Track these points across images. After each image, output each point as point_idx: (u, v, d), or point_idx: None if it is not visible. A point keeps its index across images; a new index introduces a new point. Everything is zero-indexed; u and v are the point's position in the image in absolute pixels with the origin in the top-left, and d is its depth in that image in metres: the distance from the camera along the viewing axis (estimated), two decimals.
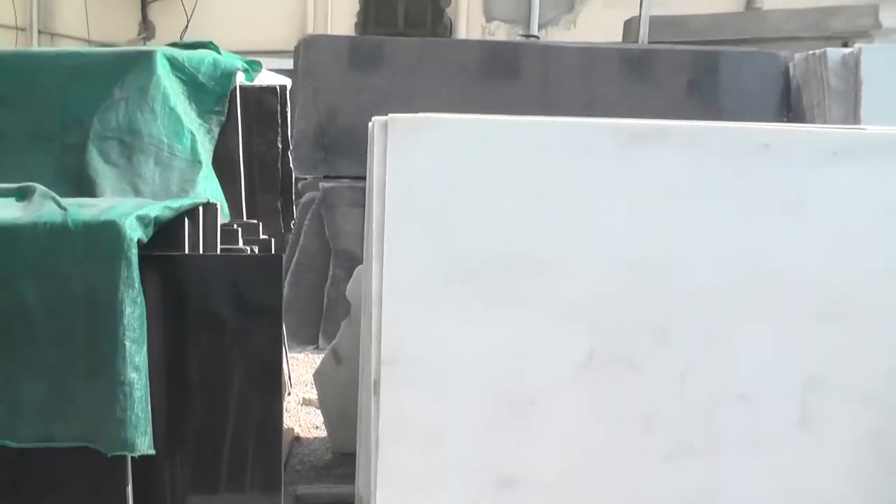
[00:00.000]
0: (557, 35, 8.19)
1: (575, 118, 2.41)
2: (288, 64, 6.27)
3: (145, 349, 2.17)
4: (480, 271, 2.29)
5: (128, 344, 2.12)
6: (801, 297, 2.45)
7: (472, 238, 2.30)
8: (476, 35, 8.32)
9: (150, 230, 2.22)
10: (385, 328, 2.29)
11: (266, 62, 5.99)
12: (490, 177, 2.32)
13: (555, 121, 2.38)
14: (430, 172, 2.30)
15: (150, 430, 2.17)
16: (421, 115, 2.31)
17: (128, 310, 2.12)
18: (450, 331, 2.30)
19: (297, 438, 3.58)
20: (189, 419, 2.42)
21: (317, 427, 3.69)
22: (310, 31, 8.25)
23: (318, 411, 3.68)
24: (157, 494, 2.45)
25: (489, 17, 8.40)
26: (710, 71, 5.89)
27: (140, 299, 2.15)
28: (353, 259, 4.64)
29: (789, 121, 5.87)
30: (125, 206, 2.27)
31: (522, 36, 8.11)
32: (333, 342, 3.23)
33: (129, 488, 2.25)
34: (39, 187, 2.42)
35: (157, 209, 2.26)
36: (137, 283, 2.14)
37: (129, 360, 2.12)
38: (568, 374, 2.34)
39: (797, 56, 5.90)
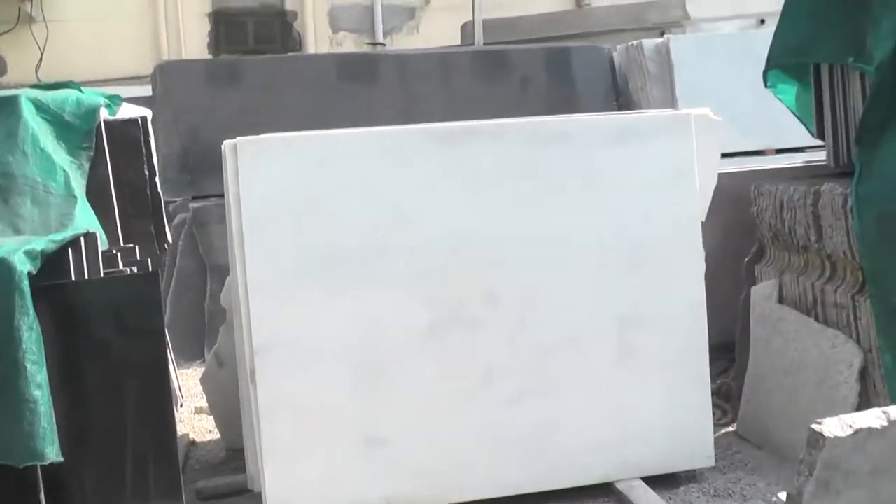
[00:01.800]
0: (402, 41, 8.64)
1: (395, 126, 2.85)
2: (146, 90, 6.47)
3: (45, 369, 2.46)
4: (329, 263, 2.72)
5: (28, 366, 2.41)
6: (606, 253, 2.97)
7: (320, 236, 2.72)
8: (324, 46, 8.67)
9: (38, 262, 2.51)
10: (254, 322, 2.67)
11: (124, 90, 6.17)
12: (329, 182, 2.74)
13: (379, 130, 2.82)
14: (276, 184, 2.70)
15: (56, 440, 2.46)
16: (263, 136, 2.70)
17: (25, 335, 2.41)
18: (309, 317, 2.71)
19: (193, 443, 3.87)
20: (90, 430, 2.71)
21: (210, 431, 3.98)
22: (164, 55, 8.39)
23: (210, 417, 3.98)
24: (67, 502, 2.73)
25: (335, 29, 8.78)
26: (544, 67, 6.45)
27: (35, 325, 2.44)
28: (228, 273, 4.92)
29: (619, 104, 6.49)
30: (12, 244, 2.56)
31: (369, 44, 8.53)
32: (214, 347, 3.55)
33: (42, 495, 2.53)
34: None
35: (42, 243, 2.55)
36: (32, 311, 2.43)
37: (31, 379, 2.41)
38: (414, 341, 2.78)
39: (619, 47, 6.54)
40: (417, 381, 2.78)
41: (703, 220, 3.16)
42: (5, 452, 2.41)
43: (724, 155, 5.76)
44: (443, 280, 2.79)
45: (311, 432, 2.73)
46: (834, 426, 0.89)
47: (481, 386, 2.84)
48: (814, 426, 0.91)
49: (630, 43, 6.41)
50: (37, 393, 2.41)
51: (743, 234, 3.89)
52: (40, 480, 2.51)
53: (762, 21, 7.65)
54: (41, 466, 2.48)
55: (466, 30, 7.27)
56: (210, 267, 5.22)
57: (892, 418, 0.88)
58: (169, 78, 5.81)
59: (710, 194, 3.24)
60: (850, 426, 0.89)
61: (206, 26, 8.54)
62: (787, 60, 3.65)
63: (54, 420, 2.45)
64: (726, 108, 5.83)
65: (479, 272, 2.83)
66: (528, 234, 2.89)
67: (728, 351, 3.90)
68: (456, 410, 2.82)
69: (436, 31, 8.26)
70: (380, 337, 2.75)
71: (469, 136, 2.85)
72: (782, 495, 1.09)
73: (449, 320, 2.80)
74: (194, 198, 5.46)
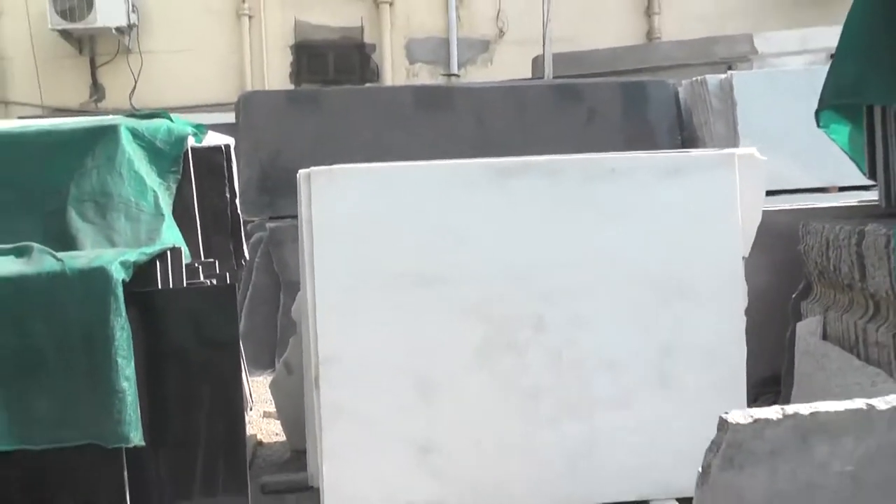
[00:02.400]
0: (476, 73, 8.95)
1: (457, 160, 3.09)
2: (230, 117, 6.88)
3: (133, 364, 2.77)
4: (391, 285, 2.96)
5: (119, 360, 2.72)
6: (649, 283, 3.14)
7: (384, 259, 2.96)
8: (401, 76, 9.04)
9: (131, 272, 2.83)
10: (320, 334, 2.93)
11: (209, 117, 6.57)
12: (395, 210, 2.99)
13: (442, 163, 3.06)
14: (346, 210, 2.96)
15: (140, 426, 2.76)
16: (335, 166, 2.97)
17: (118, 334, 2.73)
18: (371, 333, 2.95)
19: (260, 443, 4.16)
20: (167, 424, 3.01)
21: (276, 434, 4.27)
22: (248, 84, 8.87)
23: (277, 421, 4.27)
24: (145, 488, 3.03)
25: (412, 60, 9.15)
26: (611, 100, 6.65)
27: (126, 325, 2.75)
28: (300, 289, 5.23)
29: (683, 138, 6.63)
30: (110, 255, 2.88)
31: (444, 76, 8.85)
32: (284, 356, 3.84)
33: (125, 474, 2.83)
34: (36, 245, 3.02)
35: (134, 255, 2.87)
36: (124, 313, 2.74)
37: (121, 372, 2.72)
38: (466, 360, 3.00)
39: (684, 82, 6.69)
40: (468, 397, 3.00)
41: (746, 255, 3.30)
42: (97, 434, 2.72)
43: (785, 191, 5.86)
44: (495, 305, 3.01)
45: (368, 436, 2.97)
46: (737, 415, 1.07)
47: (527, 404, 3.04)
48: (722, 415, 1.10)
49: (694, 78, 6.55)
50: (125, 384, 2.72)
51: (794, 270, 4.00)
52: (125, 462, 2.81)
53: (831, 56, 7.68)
54: (125, 449, 2.78)
55: (537, 63, 7.51)
56: (284, 283, 5.54)
57: (787, 413, 1.06)
58: (251, 106, 6.19)
59: (754, 231, 3.37)
60: (751, 416, 1.06)
61: (289, 57, 9.00)
62: (839, 101, 3.77)
63: (139, 410, 2.76)
64: (789, 145, 5.94)
65: (530, 298, 3.04)
66: (577, 264, 3.09)
67: (776, 384, 3.99)
68: (503, 426, 3.02)
69: (508, 64, 8.54)
70: (435, 355, 2.98)
71: (526, 171, 3.07)
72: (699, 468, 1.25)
73: (499, 343, 3.02)
74: (271, 218, 5.80)
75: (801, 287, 3.94)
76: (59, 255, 2.92)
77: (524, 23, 8.76)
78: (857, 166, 3.97)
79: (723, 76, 6.36)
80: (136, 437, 2.73)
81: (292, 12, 9.01)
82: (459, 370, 3.00)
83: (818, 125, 3.97)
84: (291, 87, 8.73)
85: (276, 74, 8.99)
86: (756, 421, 1.07)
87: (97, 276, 2.76)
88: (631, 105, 6.68)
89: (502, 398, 3.03)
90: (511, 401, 3.04)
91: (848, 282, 3.44)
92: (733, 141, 6.18)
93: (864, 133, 3.79)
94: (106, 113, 8.61)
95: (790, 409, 1.06)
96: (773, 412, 1.08)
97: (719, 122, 6.38)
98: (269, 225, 5.70)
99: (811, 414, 1.06)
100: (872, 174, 3.79)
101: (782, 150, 5.92)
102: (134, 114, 4.13)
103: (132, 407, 2.73)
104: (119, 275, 2.77)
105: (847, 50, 3.65)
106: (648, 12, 9.34)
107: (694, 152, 3.45)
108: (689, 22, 8.96)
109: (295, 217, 5.67)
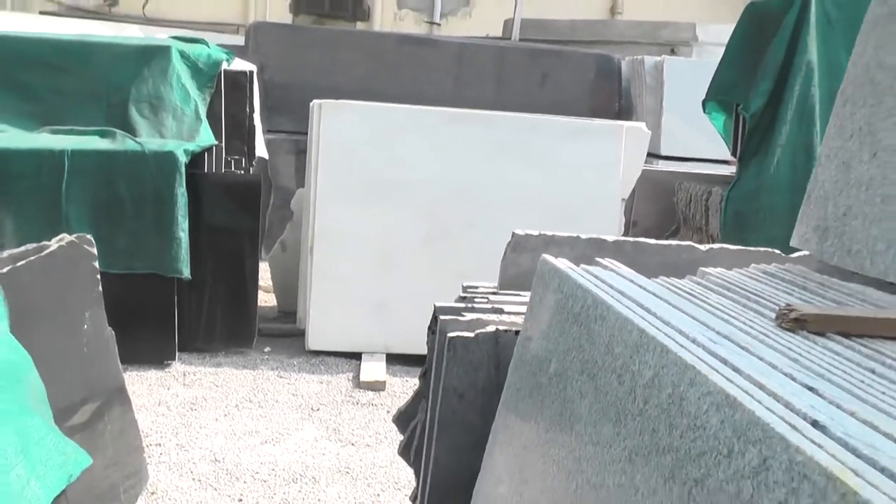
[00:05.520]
0: (455, 24, 10.04)
1: (423, 107, 4.31)
2: (231, 39, 7.92)
3: (187, 221, 3.98)
4: (369, 187, 4.20)
5: (179, 217, 3.94)
6: (549, 208, 4.41)
7: (367, 169, 4.20)
8: (389, 18, 10.09)
9: (189, 157, 4.03)
10: (317, 216, 4.17)
11: (216, 37, 7.58)
12: (377, 136, 4.21)
13: (414, 108, 4.28)
14: (343, 133, 4.17)
15: (188, 265, 3.99)
16: (339, 101, 4.17)
17: (179, 199, 3.94)
18: (352, 218, 4.20)
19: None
20: (202, 271, 4.23)
21: (265, 302, 5.50)
22: (251, 9, 9.85)
23: (266, 293, 5.50)
24: (182, 313, 4.25)
25: (400, 5, 10.19)
26: (563, 67, 7.84)
27: (185, 193, 3.96)
28: (287, 192, 6.40)
29: (620, 107, 7.88)
30: (175, 143, 4.07)
31: (427, 23, 9.94)
32: (281, 237, 5.06)
33: (175, 297, 4.06)
34: (118, 131, 4.19)
35: (192, 146, 4.07)
36: (184, 185, 3.95)
37: (179, 225, 3.94)
38: (415, 244, 4.27)
39: (626, 59, 7.90)
40: (414, 271, 4.28)
41: (625, 197, 4.58)
42: (159, 266, 3.96)
43: (695, 159, 7.19)
44: (439, 208, 4.28)
45: (342, 293, 4.24)
46: (519, 230, 2.35)
47: (454, 281, 4.30)
48: (513, 230, 2.36)
49: (635, 57, 7.77)
50: (181, 234, 3.94)
51: (672, 215, 5.33)
52: (175, 289, 4.05)
53: None
54: (176, 281, 4.01)
55: (507, 25, 8.63)
56: (275, 187, 6.72)
57: (541, 233, 2.33)
58: (260, 34, 7.27)
59: (634, 180, 4.66)
60: (525, 232, 2.34)
61: None
62: (717, 97, 5.04)
63: (189, 253, 3.98)
64: (703, 123, 7.22)
65: (464, 206, 4.31)
66: (500, 188, 4.35)
67: None
68: (434, 293, 4.29)
69: (486, 19, 9.60)
70: (395, 238, 4.25)
71: (472, 120, 4.31)
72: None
73: (439, 234, 4.29)
74: (268, 131, 6.94)
75: (672, 228, 5.27)
76: (136, 139, 4.11)
77: None
78: (727, 146, 5.27)
79: (657, 58, 7.58)
80: (186, 272, 3.97)
81: None
82: (410, 250, 4.27)
83: (704, 111, 5.23)
84: (290, 16, 9.71)
85: (276, 3, 9.97)
86: (525, 234, 2.31)
87: (167, 157, 3.96)
88: (579, 73, 7.88)
89: (438, 275, 4.30)
90: (444, 277, 4.30)
91: (699, 226, 4.76)
92: (659, 113, 7.45)
93: (733, 121, 5.07)
94: (117, 17, 9.52)
95: (543, 231, 2.32)
96: (535, 232, 2.33)
97: (650, 97, 7.63)
98: (267, 137, 6.83)
99: (551, 235, 2.32)
100: (733, 153, 5.08)
101: (697, 126, 7.18)
102: (177, 37, 5.24)
103: (185, 251, 3.96)
104: (182, 158, 3.97)
105: (727, 59, 4.90)
106: None
107: (594, 121, 4.72)
108: (651, 2, 10.07)
109: (289, 133, 6.91)
